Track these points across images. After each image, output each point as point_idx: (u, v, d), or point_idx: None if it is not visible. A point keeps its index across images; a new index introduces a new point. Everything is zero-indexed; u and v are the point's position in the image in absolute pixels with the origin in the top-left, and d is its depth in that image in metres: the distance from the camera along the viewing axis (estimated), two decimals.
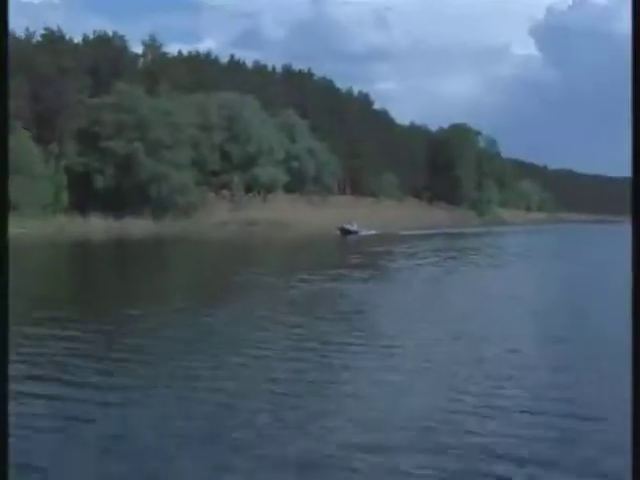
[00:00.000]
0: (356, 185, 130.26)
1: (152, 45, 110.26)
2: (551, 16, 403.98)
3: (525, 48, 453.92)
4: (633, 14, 2.89)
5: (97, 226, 76.21)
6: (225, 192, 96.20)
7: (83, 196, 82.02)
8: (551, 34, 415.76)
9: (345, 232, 72.67)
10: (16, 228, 69.59)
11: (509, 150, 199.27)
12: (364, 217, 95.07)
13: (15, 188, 74.52)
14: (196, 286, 29.66)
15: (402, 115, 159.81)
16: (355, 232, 73.35)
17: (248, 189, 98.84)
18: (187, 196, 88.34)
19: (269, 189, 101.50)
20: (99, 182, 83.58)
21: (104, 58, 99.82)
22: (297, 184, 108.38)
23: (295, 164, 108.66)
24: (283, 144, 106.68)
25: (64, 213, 79.73)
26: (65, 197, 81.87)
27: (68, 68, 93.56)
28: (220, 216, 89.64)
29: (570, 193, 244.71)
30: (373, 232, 73.28)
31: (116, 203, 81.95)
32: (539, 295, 25.52)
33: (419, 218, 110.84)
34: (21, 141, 78.14)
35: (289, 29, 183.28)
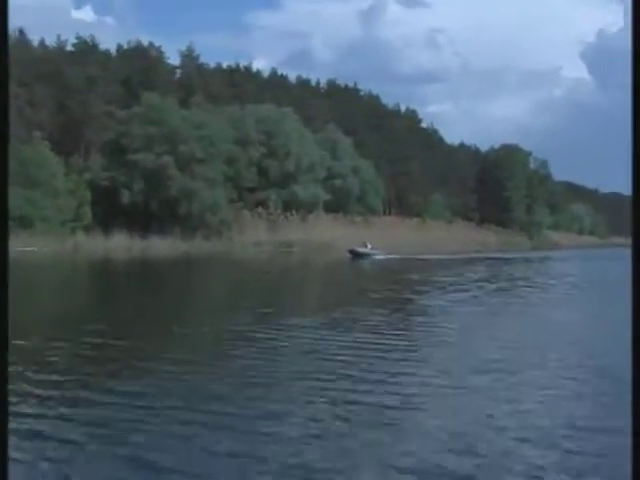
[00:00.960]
0: (402, 205, 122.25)
1: (189, 56, 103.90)
2: (602, 39, 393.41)
3: (576, 71, 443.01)
4: (633, 14, 2.74)
5: (119, 244, 69.37)
6: (261, 210, 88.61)
7: (107, 212, 75.26)
8: (602, 57, 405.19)
9: (356, 255, 64.76)
10: (24, 246, 63.31)
11: (560, 173, 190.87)
12: (409, 238, 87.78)
13: (31, 204, 68.27)
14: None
15: (451, 136, 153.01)
16: (367, 255, 64.78)
17: (286, 208, 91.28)
18: (219, 214, 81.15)
19: (309, 208, 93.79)
20: (125, 197, 76.69)
21: (137, 69, 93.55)
22: (339, 203, 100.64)
23: (338, 182, 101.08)
24: (325, 161, 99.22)
25: (86, 230, 72.91)
26: (88, 213, 75.05)
27: (97, 78, 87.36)
28: (254, 236, 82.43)
29: (621, 217, 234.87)
30: (394, 256, 63.31)
31: (142, 220, 75.11)
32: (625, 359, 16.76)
33: (466, 240, 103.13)
34: (40, 153, 71.93)
35: (339, 50, 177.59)
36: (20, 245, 61.77)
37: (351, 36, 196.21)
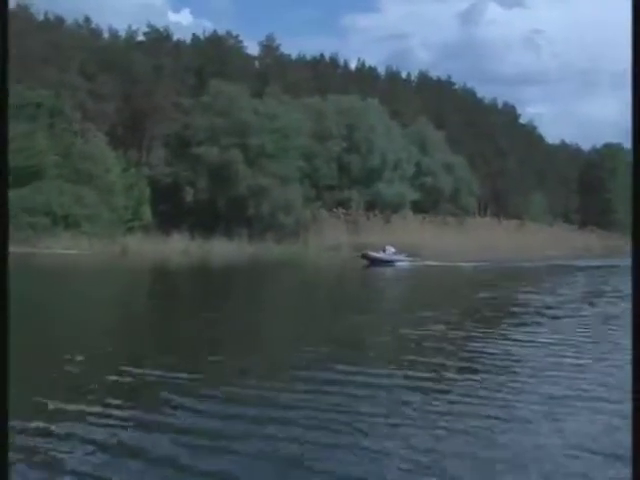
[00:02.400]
0: (499, 206, 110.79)
1: (269, 46, 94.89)
2: None
3: None
4: (633, 13, 2.51)
5: (177, 247, 60.51)
6: (341, 210, 78.68)
7: (168, 211, 66.60)
8: None
9: (370, 260, 51.34)
10: (63, 248, 55.13)
11: None
12: (505, 242, 77.19)
13: (77, 201, 60.13)
14: None
15: (552, 136, 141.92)
16: (386, 261, 50.81)
17: (368, 207, 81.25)
18: (293, 214, 71.71)
19: (394, 208, 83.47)
20: (188, 195, 67.97)
21: (212, 59, 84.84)
22: (429, 203, 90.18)
23: (427, 180, 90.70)
24: (413, 157, 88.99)
25: (145, 231, 64.35)
26: (147, 212, 66.54)
27: (166, 68, 78.95)
28: (333, 238, 72.57)
29: None
30: (426, 262, 51.79)
31: (206, 220, 66.24)
32: None
33: (566, 244, 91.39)
34: (93, 146, 63.48)
35: (437, 51, 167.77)
36: (59, 247, 53.57)
37: (449, 37, 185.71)
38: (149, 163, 72.09)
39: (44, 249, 52.23)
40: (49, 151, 61.12)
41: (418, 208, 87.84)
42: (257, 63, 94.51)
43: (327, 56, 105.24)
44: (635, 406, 2.60)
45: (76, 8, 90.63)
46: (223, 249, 61.68)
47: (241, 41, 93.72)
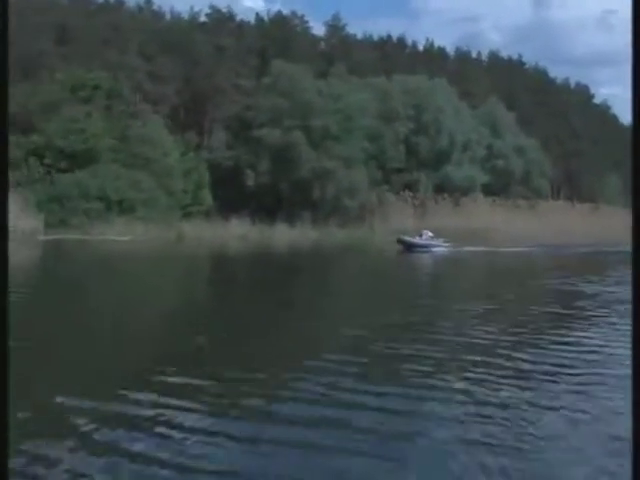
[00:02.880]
0: (572, 188, 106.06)
1: (335, 26, 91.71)
2: None
3: None
4: (633, 13, 2.63)
5: (236, 232, 57.79)
6: (408, 194, 75.26)
7: (228, 196, 63.95)
8: None
9: (406, 245, 47.01)
10: (117, 235, 52.75)
11: None
12: (578, 225, 73.17)
13: (133, 186, 57.81)
14: None
15: (626, 117, 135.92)
16: (421, 246, 46.45)
17: (437, 190, 77.69)
18: (358, 197, 68.57)
19: (464, 191, 79.74)
20: (249, 179, 65.28)
21: (276, 39, 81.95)
22: (499, 186, 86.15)
23: (498, 162, 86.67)
24: (484, 138, 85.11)
25: (205, 216, 61.84)
26: (207, 197, 64.06)
27: (228, 49, 76.32)
28: (400, 223, 69.19)
29: None
30: (471, 248, 47.15)
31: (268, 205, 63.54)
32: None
33: None
34: (150, 128, 61.15)
35: (509, 33, 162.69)
36: (113, 233, 51.25)
37: (521, 19, 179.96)
38: (209, 146, 69.52)
39: (97, 235, 49.94)
40: (105, 134, 58.91)
41: (488, 191, 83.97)
42: (322, 44, 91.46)
43: (395, 37, 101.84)
44: (635, 406, 2.62)
45: None
46: (285, 234, 58.94)
47: (306, 21, 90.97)
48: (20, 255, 36.60)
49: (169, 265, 36.15)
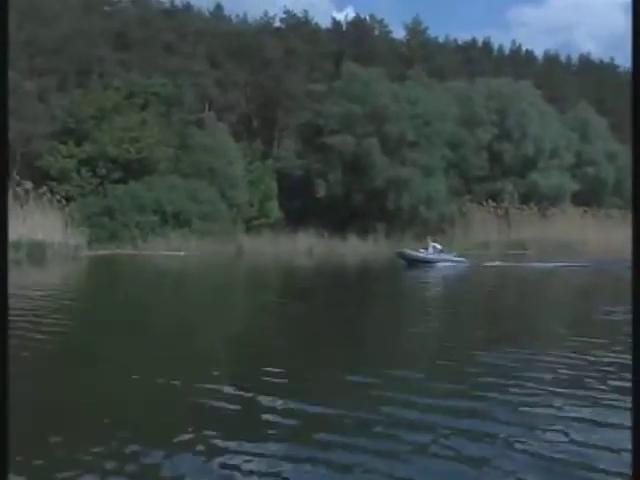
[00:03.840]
0: None
1: (415, 29, 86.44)
2: None
3: None
4: (633, 13, 2.64)
5: (303, 246, 52.92)
6: (491, 204, 69.18)
7: (297, 207, 59.21)
8: None
9: (407, 260, 38.96)
10: (169, 249, 48.17)
11: None
12: None
13: (191, 197, 53.51)
14: None
15: None
16: (424, 261, 38.38)
17: (523, 200, 71.42)
18: (437, 208, 63.07)
19: (552, 201, 73.23)
20: (320, 189, 60.33)
21: (353, 43, 77.22)
22: (590, 195, 79.32)
23: (589, 170, 79.90)
24: (573, 145, 78.53)
25: (271, 229, 57.23)
26: (274, 209, 59.49)
27: (300, 54, 71.79)
28: (483, 235, 63.43)
29: None
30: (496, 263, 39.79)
31: (338, 217, 58.53)
32: None
33: None
34: (214, 137, 56.96)
35: (602, 42, 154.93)
36: (164, 248, 46.93)
37: (616, 28, 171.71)
38: (277, 155, 64.94)
39: (148, 250, 45.69)
40: (162, 143, 54.77)
41: (578, 200, 77.33)
42: (402, 47, 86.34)
43: (480, 41, 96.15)
44: (635, 404, 2.69)
45: None
46: (356, 248, 53.85)
47: (386, 25, 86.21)
48: (57, 273, 32.50)
49: (230, 282, 31.47)
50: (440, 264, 38.08)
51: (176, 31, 67.96)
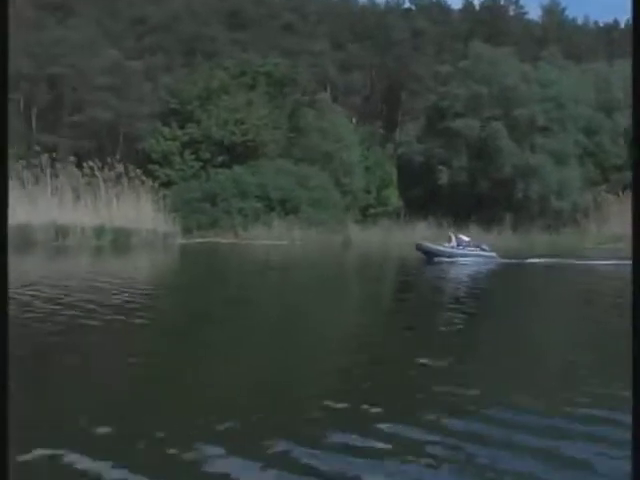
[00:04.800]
0: None
1: (552, 10, 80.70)
2: None
3: None
4: (633, 13, 2.57)
5: (419, 237, 48.50)
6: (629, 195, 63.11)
7: (416, 196, 54.97)
8: None
9: (426, 253, 33.09)
10: (270, 238, 44.70)
11: None
12: None
13: (301, 183, 49.93)
14: None
15: None
16: (442, 255, 32.37)
17: None
18: (569, 199, 57.61)
19: None
20: (442, 176, 55.81)
21: (484, 23, 72.28)
22: None
23: None
24: None
25: (390, 218, 53.20)
26: (392, 197, 55.40)
27: (427, 34, 67.46)
28: (620, 228, 57.66)
29: None
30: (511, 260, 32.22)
31: (461, 206, 53.94)
32: None
33: None
34: (330, 120, 53.26)
35: None
36: (265, 237, 43.55)
37: None
38: (397, 140, 60.74)
39: (248, 239, 42.28)
40: (270, 125, 51.32)
41: None
42: (536, 28, 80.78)
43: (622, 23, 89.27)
44: (635, 406, 2.60)
45: None
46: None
47: (521, 6, 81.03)
48: (139, 262, 29.62)
49: (341, 275, 27.66)
50: (468, 259, 31.84)
51: (297, 11, 64.54)
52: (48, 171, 38.74)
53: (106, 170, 39.46)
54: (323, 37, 63.41)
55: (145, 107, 53.32)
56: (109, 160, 40.31)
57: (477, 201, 55.53)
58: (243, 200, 47.03)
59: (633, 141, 2.48)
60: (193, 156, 49.82)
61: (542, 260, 32.03)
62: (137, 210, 39.36)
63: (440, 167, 56.23)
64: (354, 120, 58.95)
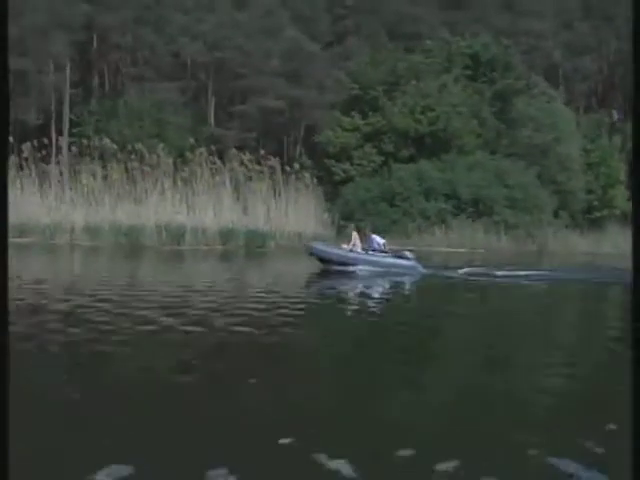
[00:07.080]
0: None
1: None
2: None
3: None
4: (633, 13, 2.54)
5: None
6: None
7: None
8: None
9: (318, 259, 21.47)
10: (441, 246, 37.01)
11: None
12: None
13: (503, 181, 42.06)
14: None
15: None
16: (337, 263, 21.00)
17: None
18: None
19: None
20: None
21: None
22: None
23: None
24: None
25: (616, 222, 44.19)
26: (619, 198, 46.24)
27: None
28: None
29: None
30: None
31: None
32: None
33: None
34: (546, 109, 45.29)
35: None
36: (441, 244, 36.53)
37: None
38: (627, 131, 51.07)
39: (421, 245, 34.85)
40: (468, 113, 43.46)
41: None
42: None
43: None
44: (635, 402, 2.72)
45: None
46: None
47: None
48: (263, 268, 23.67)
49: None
50: (367, 267, 21.28)
51: None
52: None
53: (278, 166, 34.37)
54: (550, 16, 54.54)
55: (328, 95, 47.41)
56: (285, 157, 35.15)
57: None
58: (427, 200, 39.81)
59: (633, 149, 2.51)
60: (374, 149, 42.93)
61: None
62: (297, 210, 33.96)
63: None
64: (580, 109, 50.19)
